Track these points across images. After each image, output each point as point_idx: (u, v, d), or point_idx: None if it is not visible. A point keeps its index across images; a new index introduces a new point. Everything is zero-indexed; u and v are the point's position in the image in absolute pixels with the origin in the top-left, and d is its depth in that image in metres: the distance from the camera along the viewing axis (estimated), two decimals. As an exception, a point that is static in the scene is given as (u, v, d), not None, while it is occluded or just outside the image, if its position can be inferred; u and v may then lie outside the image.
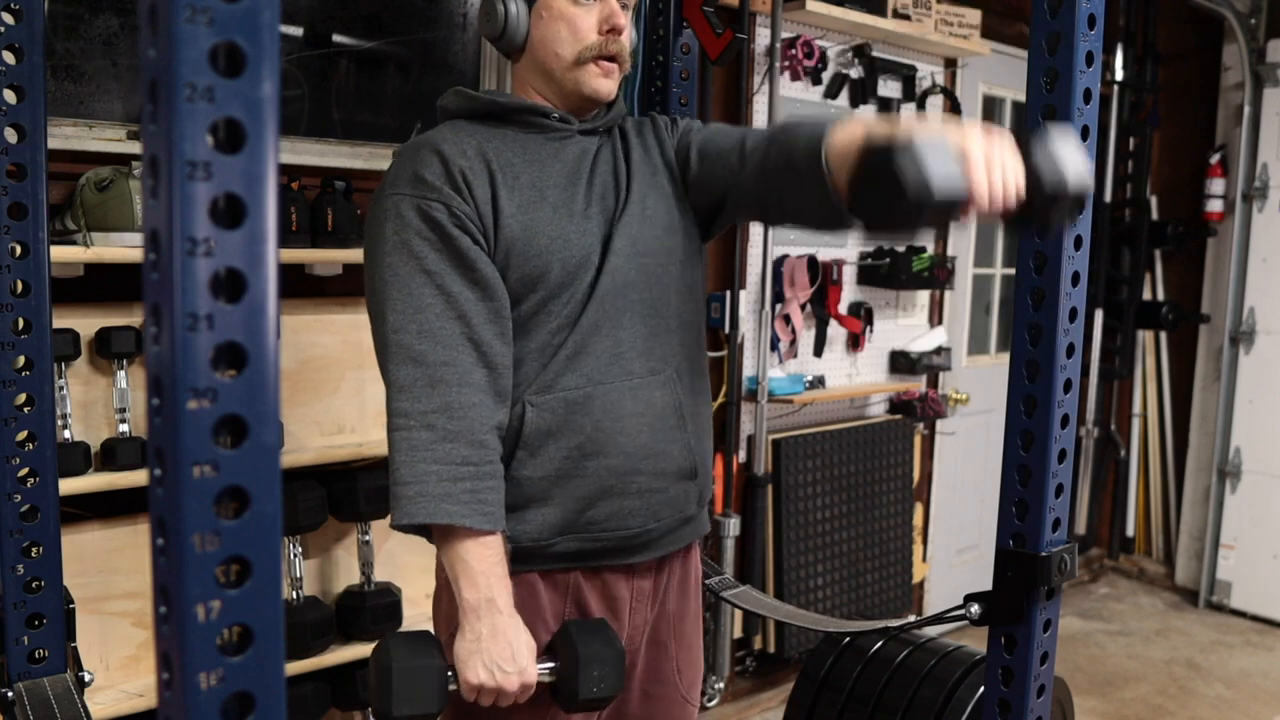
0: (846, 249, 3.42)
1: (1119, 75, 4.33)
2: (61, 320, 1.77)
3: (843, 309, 3.40)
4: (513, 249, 1.33)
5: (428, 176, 1.30)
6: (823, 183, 1.16)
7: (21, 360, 1.44)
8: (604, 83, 1.39)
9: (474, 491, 1.26)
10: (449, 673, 1.26)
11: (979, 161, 0.99)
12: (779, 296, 3.17)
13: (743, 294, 3.08)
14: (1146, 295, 4.59)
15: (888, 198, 0.96)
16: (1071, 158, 1.04)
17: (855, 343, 3.45)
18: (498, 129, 1.39)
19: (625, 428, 1.36)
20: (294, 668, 2.15)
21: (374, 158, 2.43)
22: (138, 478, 1.95)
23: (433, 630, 1.47)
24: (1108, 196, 4.34)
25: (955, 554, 4.04)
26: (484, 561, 1.26)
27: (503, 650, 1.24)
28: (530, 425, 1.33)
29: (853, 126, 1.16)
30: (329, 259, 2.20)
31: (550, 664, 1.28)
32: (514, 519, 1.34)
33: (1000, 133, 1.04)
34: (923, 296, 3.73)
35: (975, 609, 1.28)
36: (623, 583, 1.43)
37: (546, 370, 1.34)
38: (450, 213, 1.29)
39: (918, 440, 3.74)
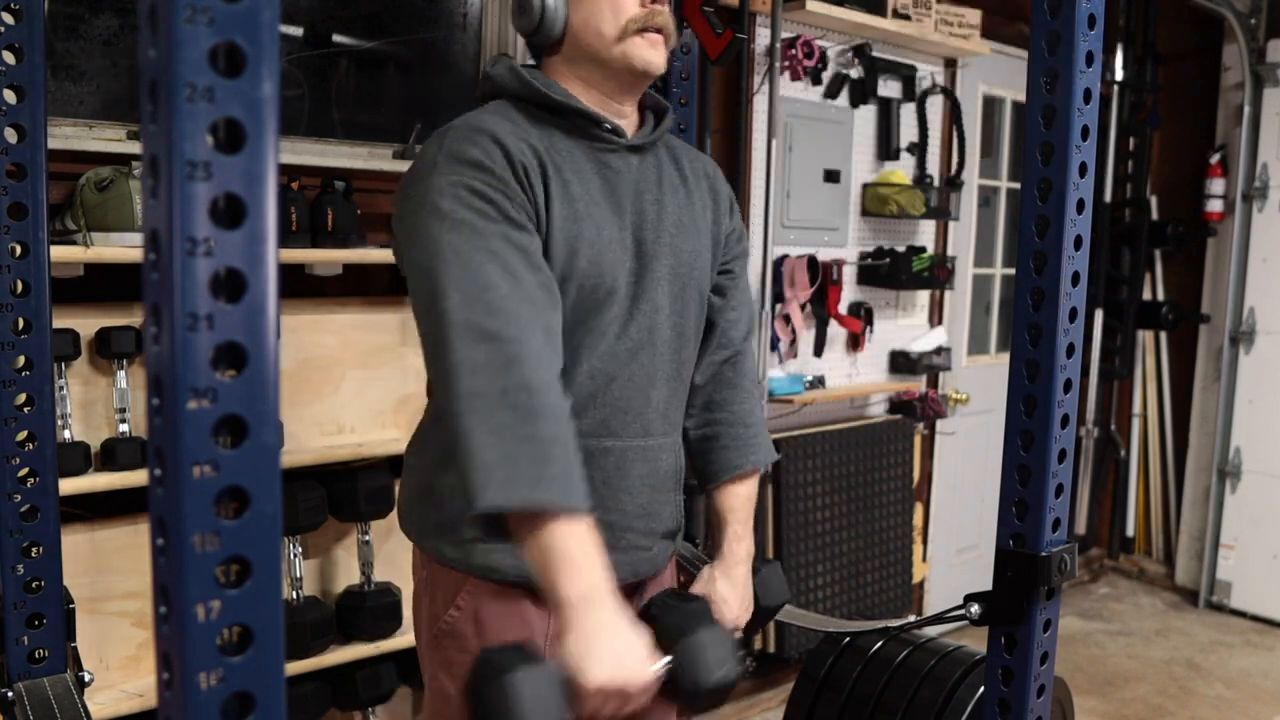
0: (846, 249, 3.42)
1: (1119, 75, 4.32)
2: (61, 320, 1.77)
3: (843, 309, 3.39)
4: (555, 260, 1.27)
5: (489, 164, 1.22)
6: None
7: (21, 360, 1.44)
8: (653, 54, 1.32)
9: (568, 473, 1.12)
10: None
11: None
12: (779, 296, 3.17)
13: (743, 294, 3.08)
14: (1146, 295, 4.59)
15: None
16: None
17: (855, 343, 3.45)
18: (545, 126, 1.32)
19: (630, 487, 1.36)
20: (294, 668, 2.15)
21: (374, 158, 2.43)
22: (138, 478, 1.95)
23: (413, 636, 1.47)
24: (1108, 196, 4.34)
25: (955, 554, 4.04)
26: (585, 545, 1.12)
27: (624, 643, 1.09)
28: None
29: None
30: (329, 259, 2.20)
31: (665, 658, 1.12)
32: (505, 550, 1.31)
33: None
34: (923, 296, 3.73)
35: (975, 609, 1.27)
36: None
37: (575, 407, 1.29)
38: (513, 203, 1.22)
39: (918, 440, 3.74)
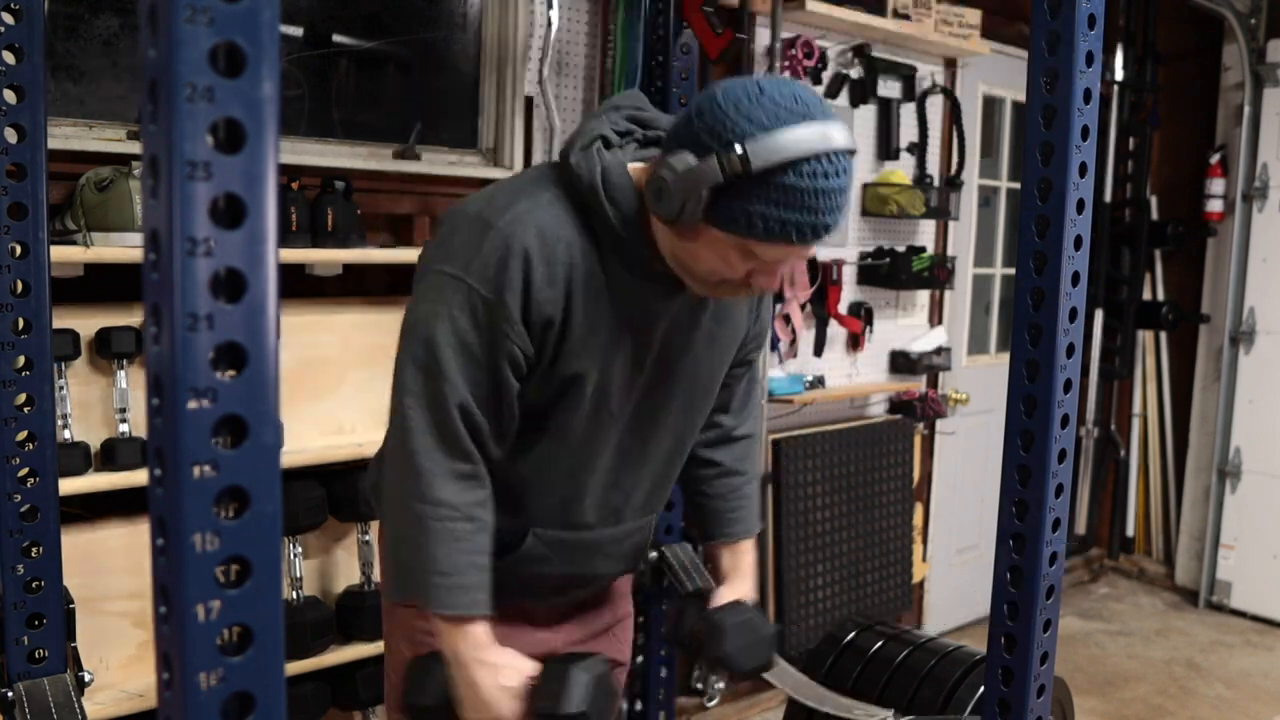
0: (846, 249, 3.42)
1: (1119, 75, 4.32)
2: (61, 320, 1.77)
3: (843, 309, 3.39)
4: (556, 369, 1.28)
5: (497, 304, 1.21)
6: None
7: (21, 360, 1.44)
8: (712, 295, 1.30)
9: (488, 583, 1.27)
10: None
11: None
12: (779, 296, 3.17)
13: (743, 294, 3.07)
14: (1146, 295, 4.58)
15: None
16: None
17: (855, 343, 3.45)
18: (598, 245, 1.25)
19: (595, 564, 1.45)
20: (294, 668, 2.15)
21: (374, 158, 2.43)
22: (138, 478, 1.95)
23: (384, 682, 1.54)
24: (1108, 196, 4.34)
25: (955, 554, 4.04)
26: (487, 639, 1.27)
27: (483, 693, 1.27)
28: (524, 552, 1.38)
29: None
30: (329, 259, 2.20)
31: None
32: None
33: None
34: (923, 296, 3.73)
35: None
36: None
37: (559, 508, 1.37)
38: (500, 345, 1.23)
39: (918, 440, 3.74)
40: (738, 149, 1.10)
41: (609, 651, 1.57)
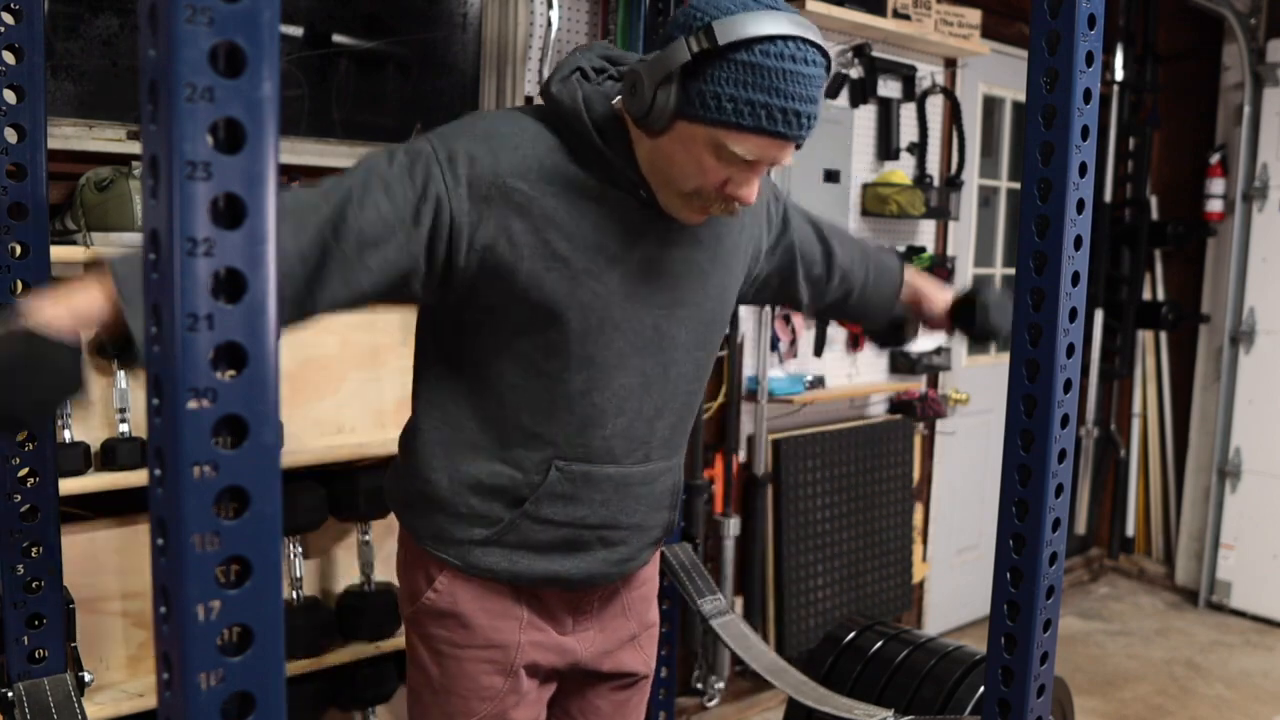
0: (846, 249, 3.42)
1: (1119, 75, 4.32)
2: (61, 320, 1.76)
3: (843, 309, 3.39)
4: (537, 285, 1.25)
5: (455, 154, 1.22)
6: (898, 332, 1.72)
7: (21, 360, 1.43)
8: (696, 218, 1.29)
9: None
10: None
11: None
12: (779, 296, 3.17)
13: (743, 294, 3.08)
14: (1146, 295, 4.59)
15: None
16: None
17: (855, 342, 3.45)
18: (581, 165, 1.26)
19: (627, 508, 1.40)
20: (294, 668, 2.15)
21: (374, 158, 2.43)
22: (138, 478, 1.95)
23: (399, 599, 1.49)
24: (1108, 196, 4.34)
25: (955, 554, 4.04)
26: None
27: None
28: (547, 488, 1.34)
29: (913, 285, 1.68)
30: (329, 259, 2.19)
31: None
32: (501, 554, 1.37)
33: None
34: (923, 296, 3.73)
35: None
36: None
37: (579, 435, 1.33)
38: (440, 203, 1.22)
39: (918, 440, 3.74)
40: (704, 30, 1.13)
41: (633, 663, 1.55)
